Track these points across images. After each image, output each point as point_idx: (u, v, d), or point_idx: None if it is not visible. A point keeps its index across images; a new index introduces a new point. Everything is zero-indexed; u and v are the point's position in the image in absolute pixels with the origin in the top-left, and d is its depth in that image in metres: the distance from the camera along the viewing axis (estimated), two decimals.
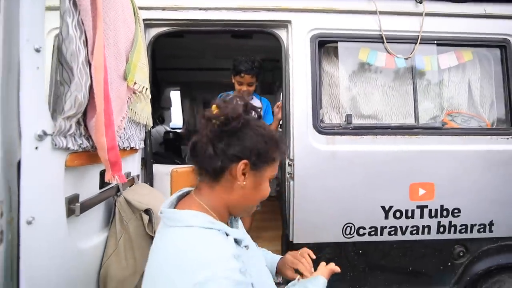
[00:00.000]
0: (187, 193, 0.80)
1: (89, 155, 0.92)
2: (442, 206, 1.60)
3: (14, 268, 0.65)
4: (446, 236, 1.61)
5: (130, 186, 1.31)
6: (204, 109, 0.76)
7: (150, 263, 0.67)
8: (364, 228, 1.59)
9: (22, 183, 0.66)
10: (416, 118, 1.66)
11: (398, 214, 1.59)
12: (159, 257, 0.65)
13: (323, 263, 0.92)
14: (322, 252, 1.60)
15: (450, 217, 1.60)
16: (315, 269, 0.91)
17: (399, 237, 1.60)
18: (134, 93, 1.22)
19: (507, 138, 1.62)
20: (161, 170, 1.80)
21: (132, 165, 1.46)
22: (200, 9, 1.61)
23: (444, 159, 1.59)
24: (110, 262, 1.07)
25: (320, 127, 1.58)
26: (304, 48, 1.60)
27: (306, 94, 1.58)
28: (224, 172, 0.70)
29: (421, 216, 1.59)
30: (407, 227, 1.60)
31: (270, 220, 2.35)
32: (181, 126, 4.22)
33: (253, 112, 0.75)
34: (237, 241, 0.71)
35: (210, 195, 0.73)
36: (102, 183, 1.08)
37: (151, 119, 1.52)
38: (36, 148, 0.70)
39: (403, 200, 1.58)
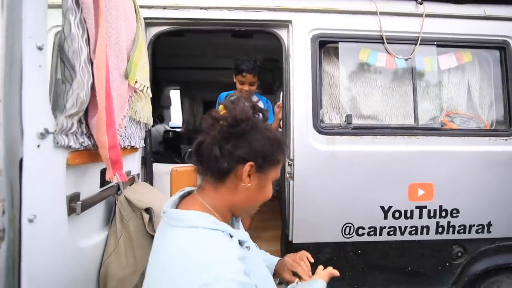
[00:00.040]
0: (189, 192, 0.80)
1: (90, 154, 0.92)
2: (441, 206, 1.60)
3: (16, 266, 0.65)
4: (444, 236, 1.62)
5: (130, 185, 1.31)
6: (210, 109, 0.76)
7: (153, 263, 0.67)
8: (363, 228, 1.59)
9: (24, 181, 0.66)
10: (416, 118, 1.67)
11: (397, 215, 1.59)
12: (162, 257, 0.65)
13: (320, 267, 0.92)
14: (321, 252, 1.60)
15: (448, 218, 1.61)
16: (313, 273, 0.91)
17: (398, 237, 1.61)
18: (135, 91, 1.22)
19: (506, 139, 1.63)
20: (160, 169, 1.80)
21: (132, 164, 1.46)
22: (201, 8, 1.61)
23: (443, 160, 1.60)
24: (110, 261, 1.07)
25: (320, 127, 1.58)
26: (305, 48, 1.60)
27: (306, 94, 1.59)
28: (229, 173, 0.71)
29: (420, 217, 1.60)
30: (406, 227, 1.60)
31: (270, 220, 2.35)
32: (180, 126, 4.22)
33: (260, 114, 0.75)
34: (240, 242, 0.71)
35: (213, 196, 0.73)
36: (103, 182, 1.08)
37: (152, 118, 1.52)
38: (38, 146, 0.70)
39: (402, 200, 1.59)
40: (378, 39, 1.63)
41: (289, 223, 1.60)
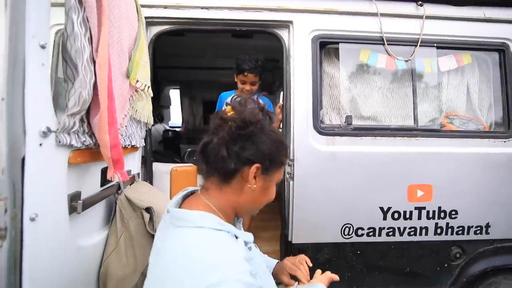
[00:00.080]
0: (192, 192, 0.80)
1: (92, 153, 0.92)
2: (439, 207, 1.61)
3: (17, 265, 0.65)
4: (443, 237, 1.63)
5: (130, 184, 1.31)
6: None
7: (155, 263, 0.67)
8: (362, 228, 1.60)
9: (26, 179, 0.65)
10: (415, 120, 1.68)
11: (396, 215, 1.60)
12: (165, 257, 0.65)
13: (318, 271, 0.93)
14: (321, 252, 1.61)
15: (447, 219, 1.62)
16: (311, 277, 0.92)
17: (397, 238, 1.61)
18: (136, 91, 1.22)
19: (504, 141, 1.64)
20: (160, 169, 1.80)
21: (133, 163, 1.46)
22: (202, 8, 1.61)
23: (443, 161, 1.61)
24: (110, 260, 1.07)
25: (321, 128, 1.59)
26: (306, 48, 1.61)
27: (306, 94, 1.59)
28: (235, 174, 0.71)
29: (419, 218, 1.61)
30: (405, 228, 1.61)
31: (269, 220, 2.35)
32: (180, 125, 4.21)
33: (267, 117, 0.76)
34: (244, 243, 0.72)
35: (218, 196, 0.74)
36: (103, 181, 1.08)
37: (152, 117, 1.52)
38: (40, 144, 0.70)
39: (401, 201, 1.60)
40: (378, 41, 1.64)
41: (288, 223, 1.61)
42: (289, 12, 1.61)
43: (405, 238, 1.62)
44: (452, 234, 1.63)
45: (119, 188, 1.15)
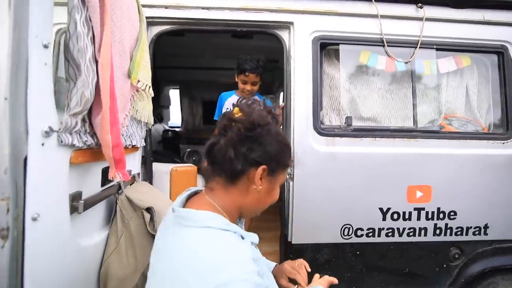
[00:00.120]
0: (195, 192, 0.81)
1: (93, 152, 0.92)
2: (438, 208, 1.62)
3: (19, 265, 0.65)
4: (442, 238, 1.64)
5: (130, 185, 1.31)
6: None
7: (160, 263, 0.67)
8: (362, 229, 1.60)
9: (28, 179, 0.65)
10: (415, 121, 1.69)
11: (395, 216, 1.61)
12: (170, 257, 0.65)
13: (317, 275, 0.94)
14: (320, 252, 1.61)
15: (446, 220, 1.63)
16: (309, 281, 0.93)
17: (396, 238, 1.62)
18: (137, 91, 1.22)
19: (503, 143, 1.65)
20: (160, 169, 1.80)
21: (133, 163, 1.46)
22: (203, 8, 1.61)
23: (442, 163, 1.62)
24: (111, 261, 1.07)
25: (320, 129, 1.59)
26: (306, 49, 1.61)
27: (307, 95, 1.60)
28: (242, 175, 0.72)
29: (418, 218, 1.62)
30: (404, 229, 1.62)
31: (269, 220, 2.35)
32: (179, 125, 4.21)
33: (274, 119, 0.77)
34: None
35: (223, 196, 0.74)
36: (104, 181, 1.08)
37: (152, 117, 1.52)
38: (43, 144, 0.70)
39: (400, 202, 1.60)
40: (378, 42, 1.65)
41: (288, 224, 1.61)
42: (290, 13, 1.62)
43: (404, 238, 1.62)
44: (451, 234, 1.64)
45: (119, 188, 1.15)
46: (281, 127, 1.82)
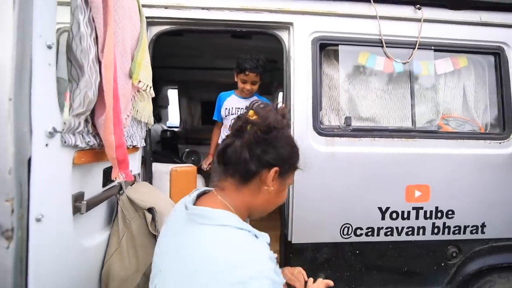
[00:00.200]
0: (204, 192, 0.81)
1: (95, 153, 0.92)
2: (437, 208, 1.64)
3: (23, 266, 0.64)
4: (440, 237, 1.65)
5: (131, 185, 1.31)
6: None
7: (168, 262, 0.67)
8: (361, 228, 1.62)
9: (32, 180, 0.65)
10: (413, 121, 1.70)
11: (394, 215, 1.62)
12: (183, 255, 0.65)
13: (311, 279, 0.95)
14: (320, 252, 1.62)
15: (444, 219, 1.64)
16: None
17: (395, 237, 1.63)
18: (138, 91, 1.22)
19: (500, 143, 1.67)
20: (160, 169, 1.80)
21: (133, 163, 1.45)
22: (203, 8, 1.61)
23: (440, 162, 1.63)
24: (112, 261, 1.06)
25: (320, 129, 1.60)
26: (306, 50, 1.62)
27: (306, 95, 1.60)
28: (254, 176, 0.74)
29: (417, 218, 1.63)
30: (402, 228, 1.63)
31: (269, 220, 2.35)
32: (177, 125, 4.20)
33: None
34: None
35: (235, 196, 0.75)
36: (105, 181, 1.08)
37: (152, 117, 1.52)
38: (46, 145, 0.70)
39: (399, 201, 1.62)
40: (377, 43, 1.66)
41: (288, 224, 1.62)
42: (290, 14, 1.62)
43: (403, 237, 1.64)
44: (448, 233, 1.65)
45: (120, 188, 1.15)
46: None
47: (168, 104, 4.15)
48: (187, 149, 2.97)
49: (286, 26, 1.65)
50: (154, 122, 1.56)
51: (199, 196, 0.80)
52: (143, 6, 1.39)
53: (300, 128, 1.59)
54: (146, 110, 1.41)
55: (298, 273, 0.98)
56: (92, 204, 0.93)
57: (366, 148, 1.60)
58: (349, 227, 1.61)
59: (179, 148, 3.29)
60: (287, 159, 0.76)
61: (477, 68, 1.80)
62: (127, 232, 1.11)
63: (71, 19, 0.77)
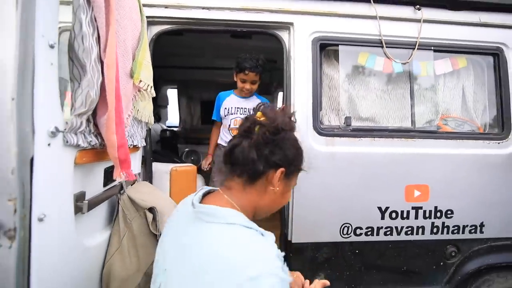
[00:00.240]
0: (209, 191, 0.82)
1: (96, 153, 0.92)
2: (436, 207, 1.64)
3: (26, 265, 0.65)
4: (439, 236, 1.66)
5: (131, 185, 1.31)
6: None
7: (176, 259, 0.67)
8: (361, 228, 1.62)
9: (35, 180, 0.65)
10: (413, 121, 1.71)
11: (394, 215, 1.63)
12: (190, 253, 0.65)
13: (307, 281, 0.96)
14: (320, 251, 1.63)
15: (443, 218, 1.65)
16: None
17: (395, 237, 1.64)
18: (139, 91, 1.22)
19: (498, 143, 1.68)
20: (160, 169, 1.80)
21: (134, 163, 1.45)
22: (203, 8, 1.61)
23: (439, 162, 1.64)
24: (113, 261, 1.07)
25: (320, 129, 1.61)
26: (306, 50, 1.62)
27: (306, 95, 1.61)
28: (261, 176, 0.75)
29: (416, 217, 1.64)
30: (402, 227, 1.64)
31: (269, 220, 2.36)
32: (176, 125, 4.20)
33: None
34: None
35: (241, 196, 0.76)
36: (106, 181, 1.08)
37: (153, 117, 1.52)
38: (49, 144, 0.70)
39: (399, 201, 1.62)
40: (377, 43, 1.66)
41: (288, 223, 1.62)
42: (290, 14, 1.63)
43: (403, 237, 1.64)
44: (447, 233, 1.66)
45: (121, 188, 1.15)
46: None
47: (168, 104, 4.14)
48: (186, 149, 2.97)
49: (287, 26, 1.65)
50: (154, 122, 1.56)
51: (204, 195, 0.80)
52: (144, 5, 1.39)
53: (300, 128, 1.59)
54: (146, 110, 1.41)
55: (297, 277, 0.98)
56: (94, 203, 0.93)
57: (366, 148, 1.61)
58: (348, 226, 1.62)
59: (178, 147, 3.28)
60: (292, 161, 0.77)
61: (476, 68, 1.81)
62: (128, 232, 1.11)
63: (73, 19, 0.77)
